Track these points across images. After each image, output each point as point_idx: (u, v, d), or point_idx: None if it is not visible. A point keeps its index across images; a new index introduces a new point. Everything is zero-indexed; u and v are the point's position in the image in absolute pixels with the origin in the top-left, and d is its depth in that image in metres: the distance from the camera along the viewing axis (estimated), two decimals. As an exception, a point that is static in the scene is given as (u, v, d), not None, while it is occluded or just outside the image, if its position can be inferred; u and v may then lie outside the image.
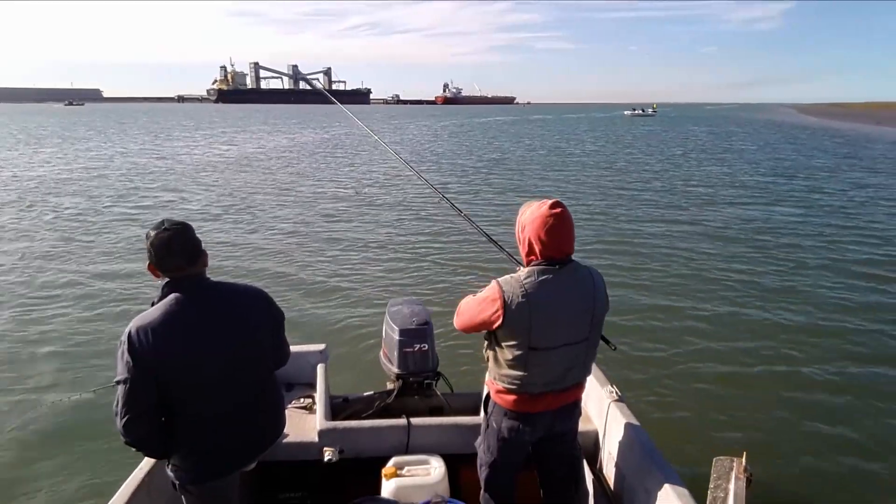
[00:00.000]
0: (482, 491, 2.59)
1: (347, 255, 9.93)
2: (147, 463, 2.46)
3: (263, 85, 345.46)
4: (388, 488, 2.66)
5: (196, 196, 16.19)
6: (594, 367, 3.01)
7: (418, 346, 3.13)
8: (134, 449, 2.04)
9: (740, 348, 6.16)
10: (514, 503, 2.60)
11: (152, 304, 2.03)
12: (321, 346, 3.51)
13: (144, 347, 1.91)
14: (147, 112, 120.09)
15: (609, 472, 2.77)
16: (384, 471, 2.72)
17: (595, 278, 2.25)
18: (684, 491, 2.17)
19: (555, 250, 2.15)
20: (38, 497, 3.88)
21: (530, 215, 2.18)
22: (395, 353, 3.14)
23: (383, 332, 3.33)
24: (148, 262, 2.04)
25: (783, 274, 8.96)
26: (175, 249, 1.99)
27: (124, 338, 1.94)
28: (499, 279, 2.21)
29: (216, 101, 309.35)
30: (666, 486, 2.22)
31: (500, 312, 2.14)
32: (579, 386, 2.39)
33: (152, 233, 2.00)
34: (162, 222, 2.03)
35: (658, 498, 2.25)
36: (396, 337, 3.13)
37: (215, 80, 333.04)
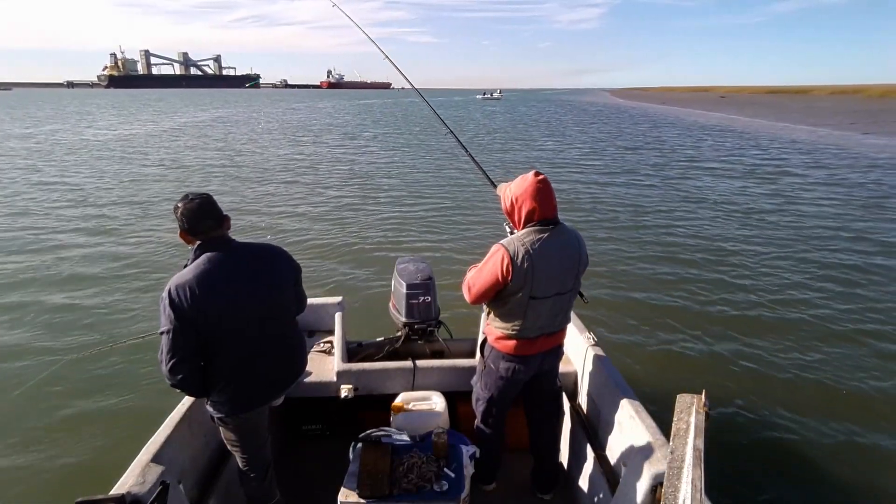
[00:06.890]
0: (477, 422, 2.54)
1: (360, 220, 9.53)
2: (188, 400, 2.34)
3: (155, 71, 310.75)
4: (396, 421, 2.59)
5: (218, 159, 16.91)
6: (575, 316, 3.04)
7: (422, 298, 3.02)
8: (177, 390, 1.93)
9: (701, 298, 6.04)
10: (504, 434, 2.59)
11: (184, 266, 1.90)
12: (339, 299, 3.33)
13: (183, 301, 1.80)
14: (66, 96, 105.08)
15: (587, 407, 2.75)
16: (393, 405, 2.65)
17: (579, 237, 2.20)
18: (651, 422, 2.15)
19: (547, 212, 2.09)
20: (89, 428, 3.84)
21: (519, 188, 2.10)
22: (403, 305, 3.03)
23: (392, 286, 3.20)
24: (179, 231, 1.92)
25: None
26: (204, 214, 1.90)
27: (165, 294, 1.82)
28: (500, 242, 2.11)
29: (107, 87, 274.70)
30: (636, 418, 2.21)
31: (509, 268, 2.05)
32: (563, 330, 2.37)
33: (181, 204, 1.89)
34: (187, 195, 1.93)
35: (629, 428, 2.24)
36: (404, 290, 3.02)
37: (105, 67, 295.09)
